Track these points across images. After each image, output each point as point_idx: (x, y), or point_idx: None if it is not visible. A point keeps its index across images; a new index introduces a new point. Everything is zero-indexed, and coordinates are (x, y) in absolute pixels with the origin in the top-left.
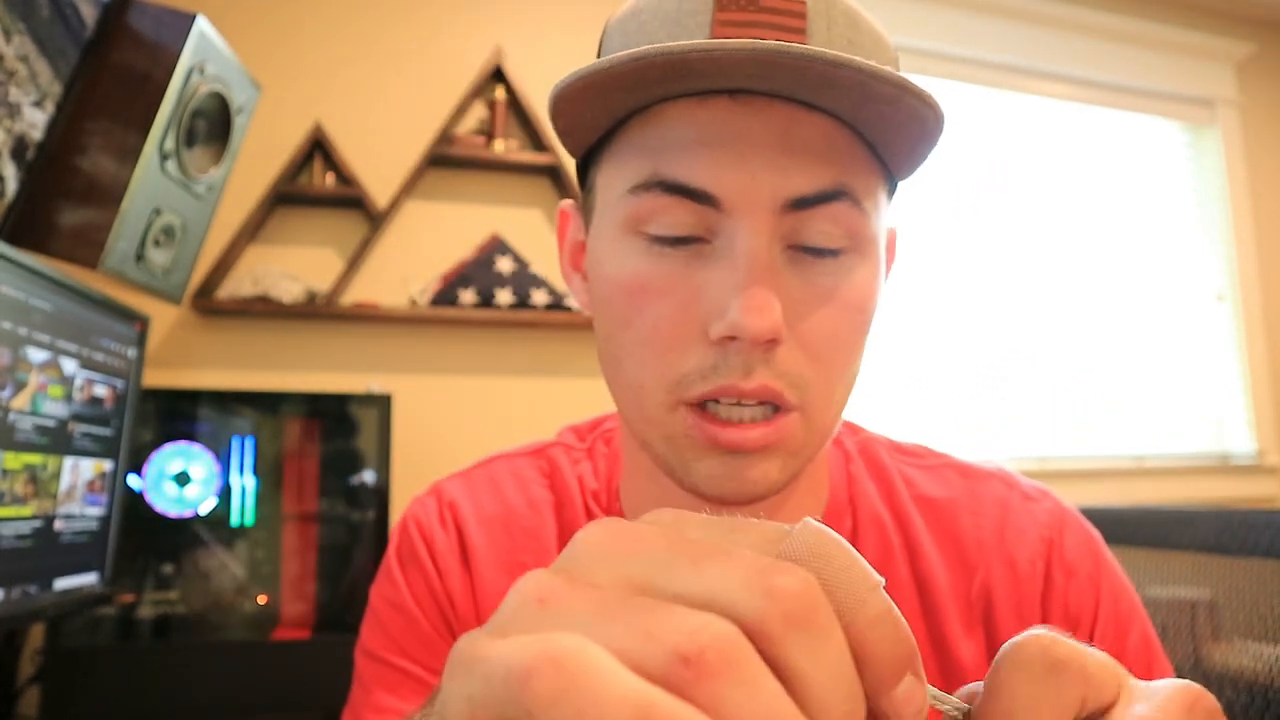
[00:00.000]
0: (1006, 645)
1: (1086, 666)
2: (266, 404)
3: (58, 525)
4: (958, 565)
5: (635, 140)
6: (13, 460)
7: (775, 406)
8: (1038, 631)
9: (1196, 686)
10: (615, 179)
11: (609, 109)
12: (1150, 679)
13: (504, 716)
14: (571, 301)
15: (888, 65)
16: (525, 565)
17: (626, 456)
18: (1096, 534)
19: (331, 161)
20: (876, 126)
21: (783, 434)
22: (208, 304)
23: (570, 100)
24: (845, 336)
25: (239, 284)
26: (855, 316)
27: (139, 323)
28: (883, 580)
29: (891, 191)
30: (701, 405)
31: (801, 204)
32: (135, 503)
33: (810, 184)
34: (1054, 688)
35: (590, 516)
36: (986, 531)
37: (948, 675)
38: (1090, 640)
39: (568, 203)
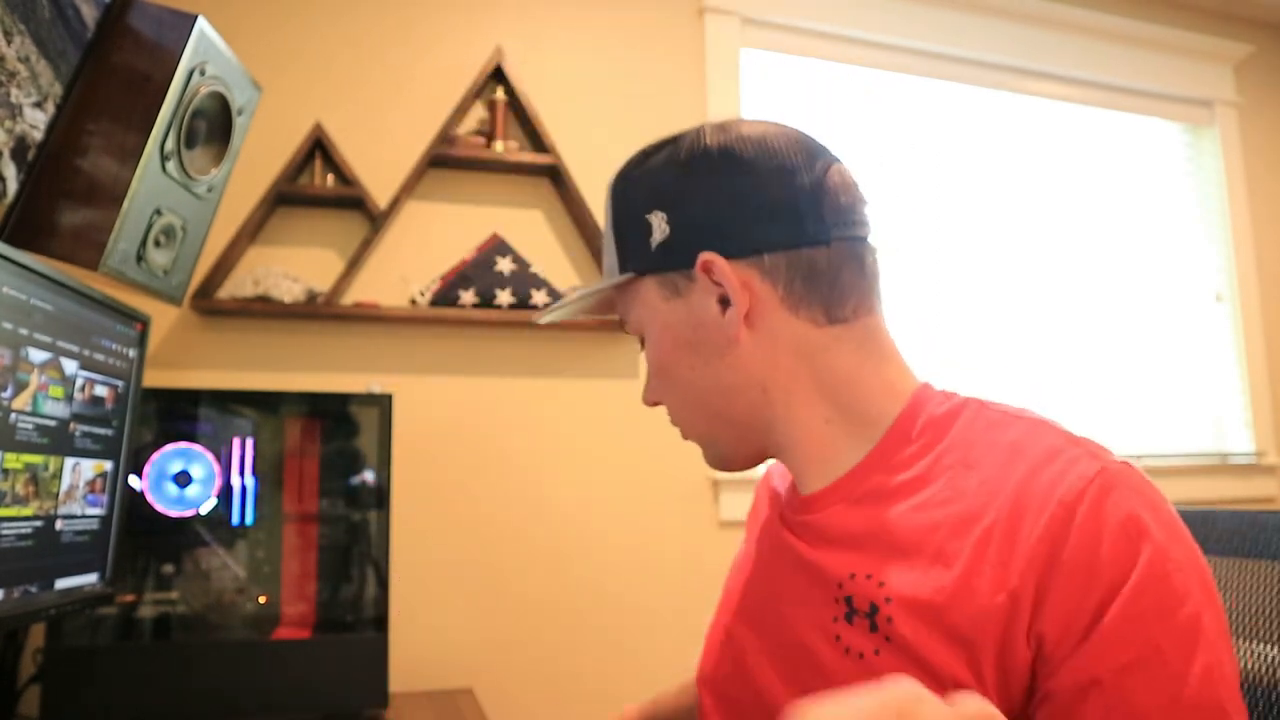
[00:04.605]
0: None
1: None
2: (267, 404)
3: (59, 525)
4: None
5: None
6: (13, 460)
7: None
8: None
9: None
10: None
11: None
12: None
13: None
14: None
15: (611, 199)
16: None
17: None
18: (1158, 510)
19: (332, 162)
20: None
21: (685, 437)
22: (208, 304)
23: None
24: (661, 387)
25: (239, 284)
26: (656, 373)
27: (139, 323)
28: None
29: (654, 269)
30: None
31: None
32: (136, 503)
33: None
34: None
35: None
36: (1019, 473)
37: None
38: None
39: None
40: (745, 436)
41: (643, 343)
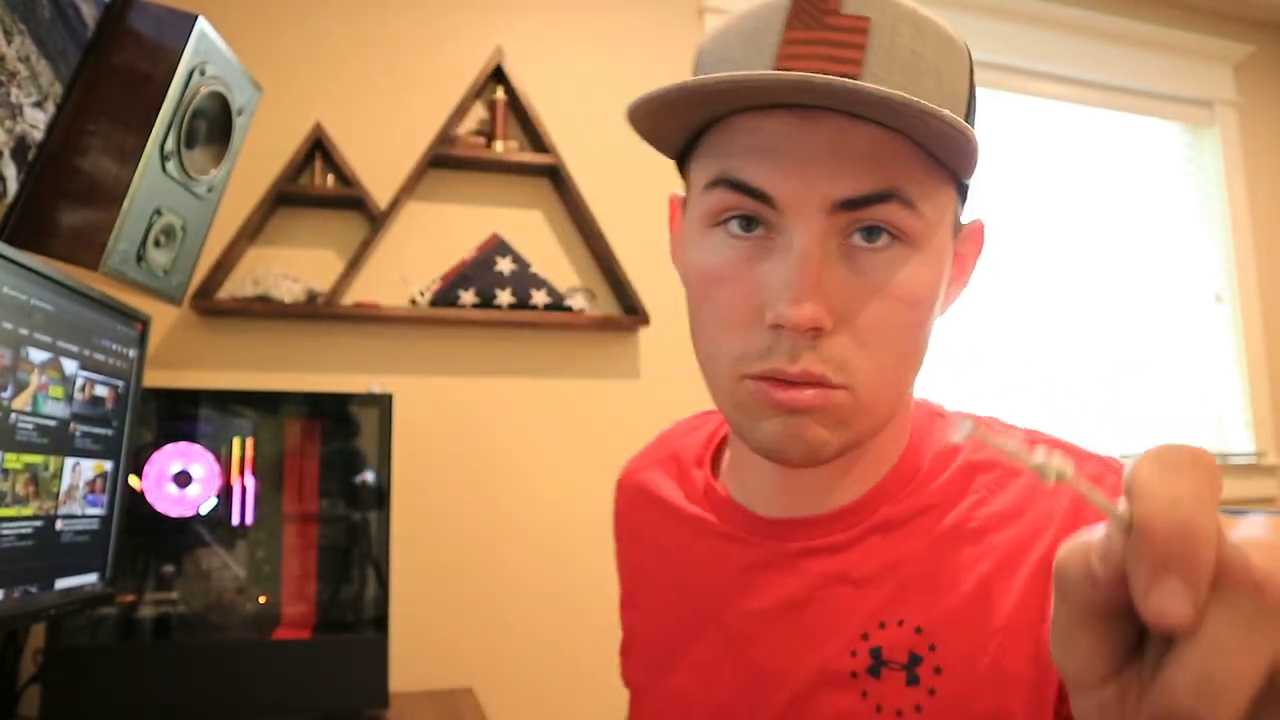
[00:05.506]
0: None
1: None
2: (267, 404)
3: (59, 525)
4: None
5: (713, 145)
6: (14, 460)
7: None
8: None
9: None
10: (698, 177)
11: (686, 121)
12: None
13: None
14: (572, 301)
15: (957, 68)
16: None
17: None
18: None
19: (331, 162)
20: (921, 136)
21: (829, 401)
22: (208, 304)
23: (644, 117)
24: (893, 327)
25: (239, 284)
26: (905, 309)
27: (140, 323)
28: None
29: (962, 191)
30: (761, 377)
31: (850, 205)
32: (136, 503)
33: (858, 187)
34: (1188, 477)
35: (687, 474)
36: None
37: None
38: None
39: (675, 193)
40: (884, 422)
41: (860, 246)
